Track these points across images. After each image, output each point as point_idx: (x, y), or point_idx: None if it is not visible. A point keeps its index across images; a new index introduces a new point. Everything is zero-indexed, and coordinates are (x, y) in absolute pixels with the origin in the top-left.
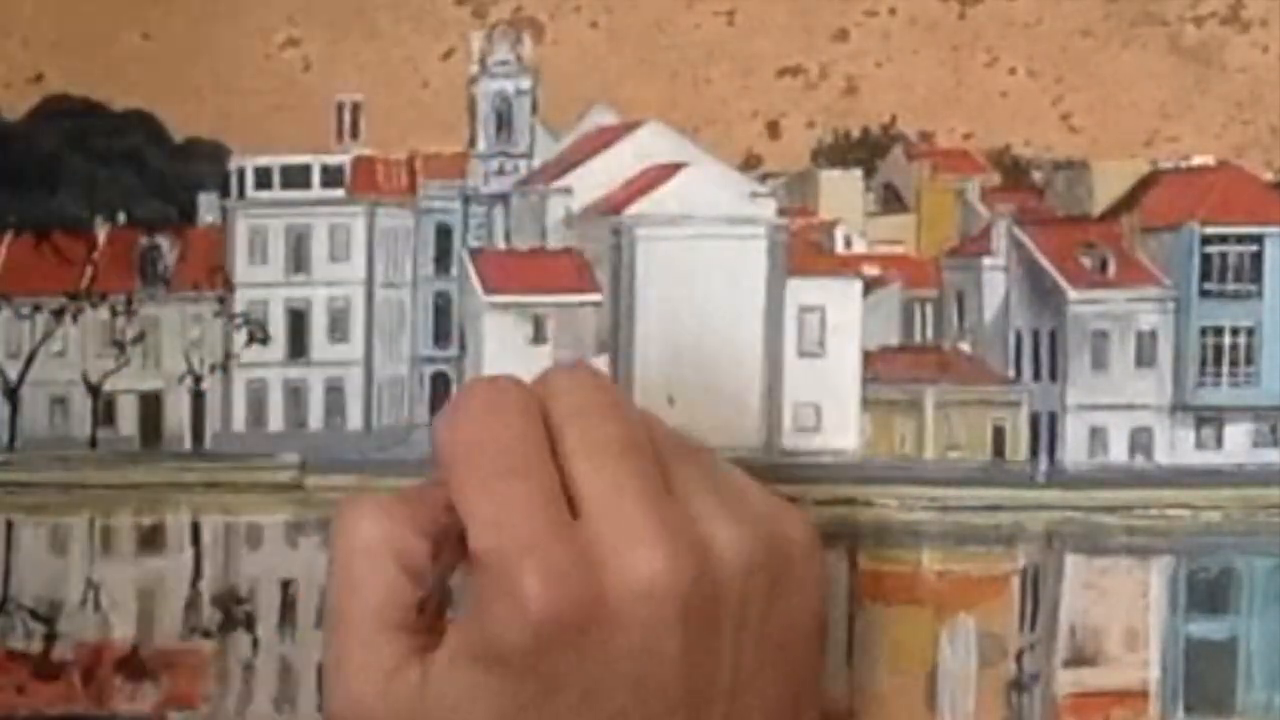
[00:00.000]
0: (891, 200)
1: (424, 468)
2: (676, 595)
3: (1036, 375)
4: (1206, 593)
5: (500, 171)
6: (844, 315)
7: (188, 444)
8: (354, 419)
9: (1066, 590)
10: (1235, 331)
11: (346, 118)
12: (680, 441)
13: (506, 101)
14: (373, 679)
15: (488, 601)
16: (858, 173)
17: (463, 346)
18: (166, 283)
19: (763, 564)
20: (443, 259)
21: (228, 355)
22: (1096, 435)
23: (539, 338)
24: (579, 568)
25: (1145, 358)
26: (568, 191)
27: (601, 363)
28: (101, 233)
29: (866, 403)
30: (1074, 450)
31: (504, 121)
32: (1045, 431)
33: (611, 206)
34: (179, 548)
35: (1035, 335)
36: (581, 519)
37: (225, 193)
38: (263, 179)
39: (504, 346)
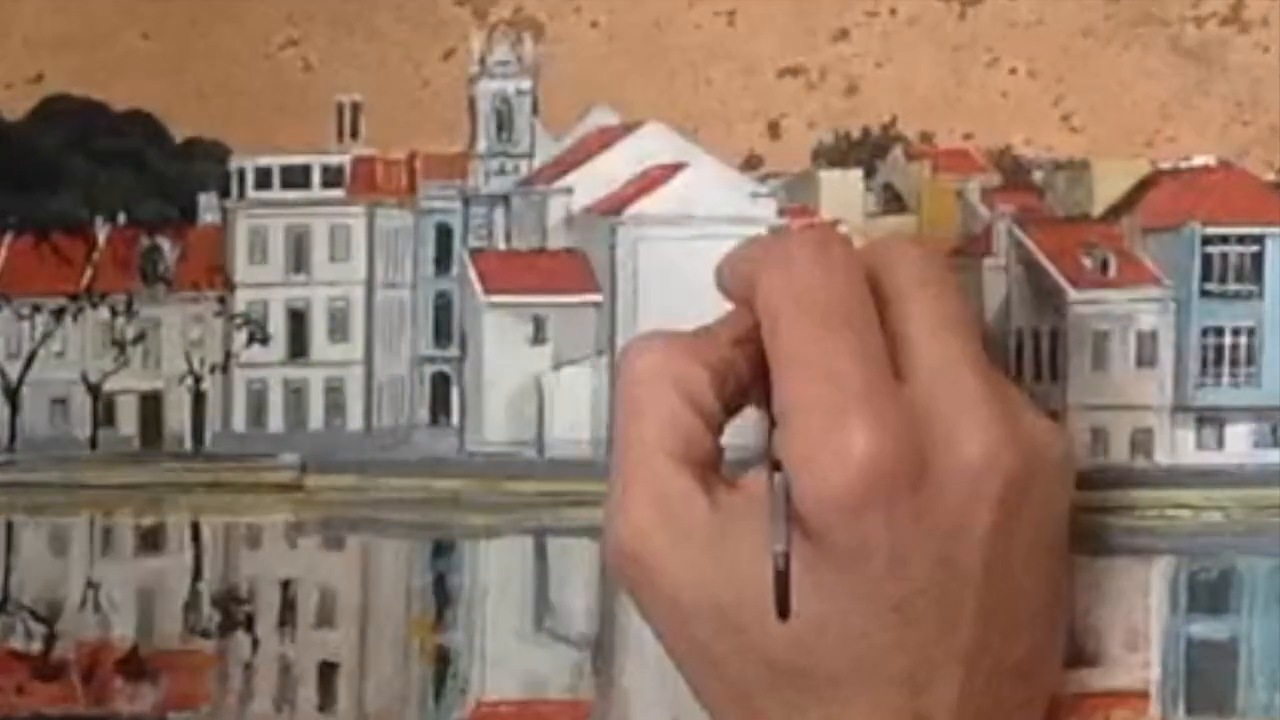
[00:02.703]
0: (892, 201)
1: (424, 467)
2: (999, 476)
3: (1037, 375)
4: (1207, 593)
5: (500, 172)
6: None
7: (188, 444)
8: (354, 419)
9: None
10: (1236, 332)
11: (346, 118)
12: None
13: (507, 101)
14: (654, 506)
15: (804, 451)
16: (858, 173)
17: (463, 347)
18: (166, 283)
19: (1061, 464)
20: (443, 259)
21: (228, 355)
22: (1097, 435)
23: (539, 338)
24: (907, 428)
25: (1146, 358)
26: (568, 191)
27: (601, 363)
28: (101, 233)
29: None
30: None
31: (504, 121)
32: None
33: (611, 207)
34: (179, 548)
35: (1036, 335)
36: (910, 385)
37: (225, 193)
38: (263, 179)
39: (504, 347)
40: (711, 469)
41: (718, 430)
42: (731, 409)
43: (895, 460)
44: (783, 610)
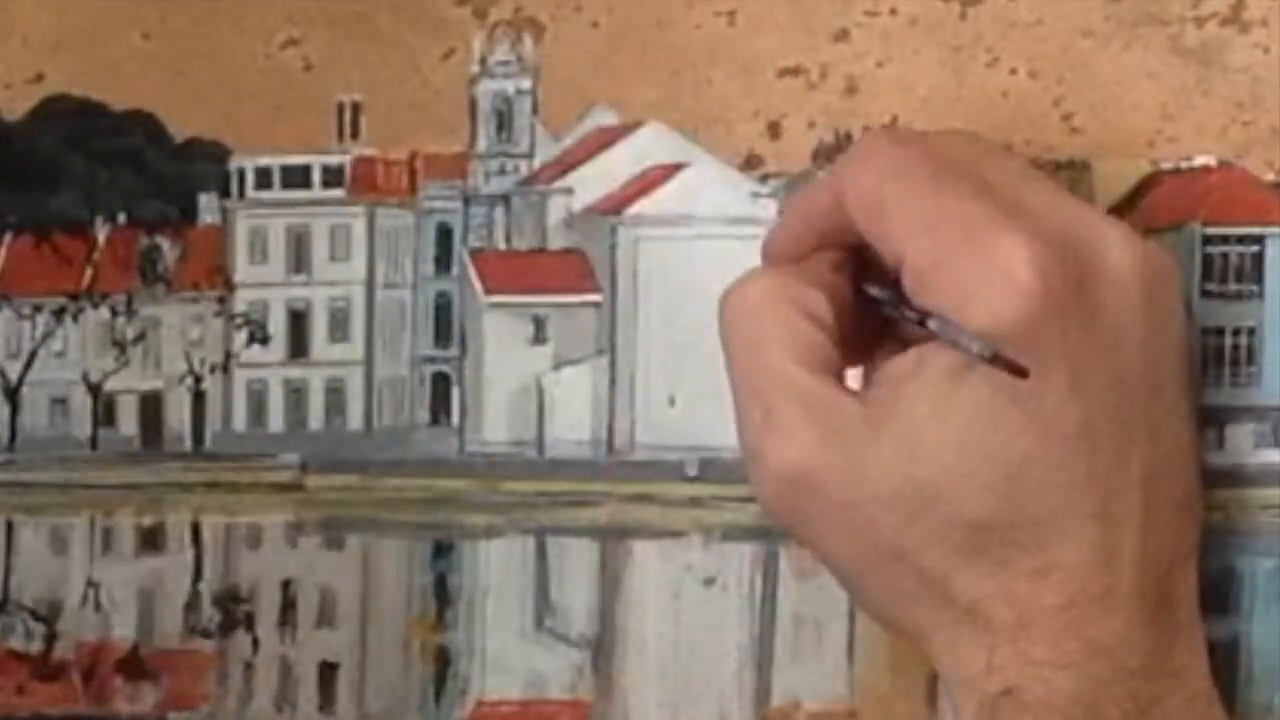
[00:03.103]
0: None
1: (425, 467)
2: (1143, 282)
3: None
4: (1207, 593)
5: (501, 171)
6: None
7: (188, 444)
8: (354, 419)
9: None
10: (1236, 332)
11: (346, 118)
12: None
13: (507, 101)
14: (807, 420)
15: (966, 290)
16: None
17: (463, 347)
18: (166, 283)
19: (1176, 273)
20: (443, 259)
21: (228, 355)
22: None
23: (539, 338)
24: (1057, 240)
25: None
26: (568, 191)
27: (602, 363)
28: (101, 233)
29: None
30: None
31: (504, 121)
32: None
33: (612, 207)
34: (179, 548)
35: None
36: (1031, 217)
37: (225, 193)
38: (263, 179)
39: (504, 347)
40: (842, 379)
41: (839, 346)
42: (844, 334)
43: (1058, 270)
44: (1020, 371)
